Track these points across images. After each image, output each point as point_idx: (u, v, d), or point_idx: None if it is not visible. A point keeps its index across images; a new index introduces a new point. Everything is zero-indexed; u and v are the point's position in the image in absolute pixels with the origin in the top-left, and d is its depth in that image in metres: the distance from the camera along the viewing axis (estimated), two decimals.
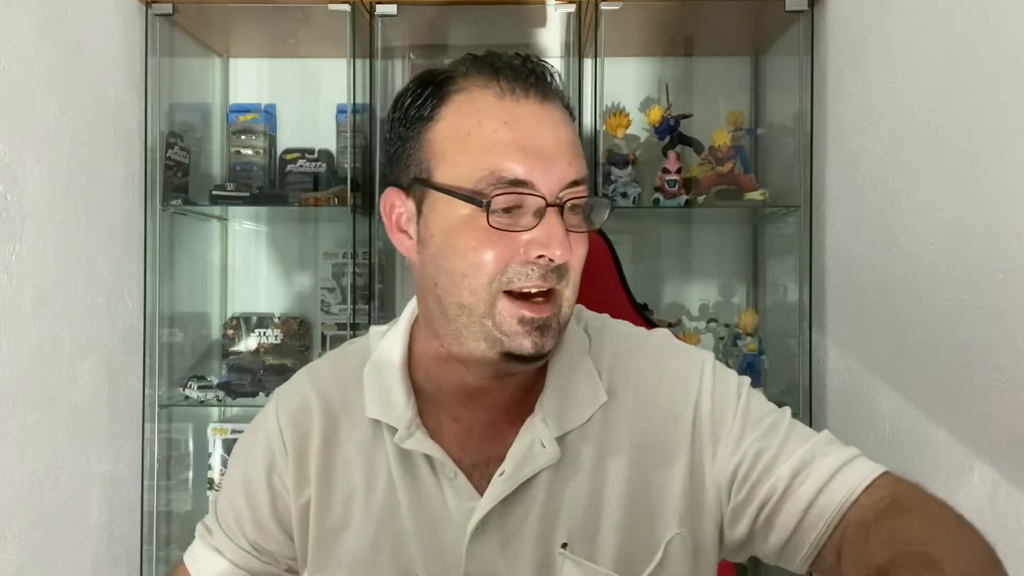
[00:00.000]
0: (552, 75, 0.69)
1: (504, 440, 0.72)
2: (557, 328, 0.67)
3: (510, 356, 0.66)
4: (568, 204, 0.66)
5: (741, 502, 0.70)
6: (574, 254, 0.67)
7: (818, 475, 0.67)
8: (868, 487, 0.65)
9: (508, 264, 0.65)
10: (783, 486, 0.67)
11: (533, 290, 0.65)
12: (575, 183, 0.66)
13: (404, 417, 0.73)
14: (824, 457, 0.68)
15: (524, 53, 0.69)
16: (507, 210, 0.64)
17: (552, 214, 0.64)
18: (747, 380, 0.76)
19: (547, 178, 0.64)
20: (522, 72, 0.67)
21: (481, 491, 0.71)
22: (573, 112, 0.72)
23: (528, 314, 0.65)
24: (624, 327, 0.81)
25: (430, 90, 0.68)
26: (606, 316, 0.83)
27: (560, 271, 0.66)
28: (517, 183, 0.64)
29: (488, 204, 0.64)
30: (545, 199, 0.64)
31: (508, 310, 0.65)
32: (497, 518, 0.71)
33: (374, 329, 0.82)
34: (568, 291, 0.68)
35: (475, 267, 0.65)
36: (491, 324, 0.66)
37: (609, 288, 1.19)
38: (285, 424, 0.78)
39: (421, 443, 0.72)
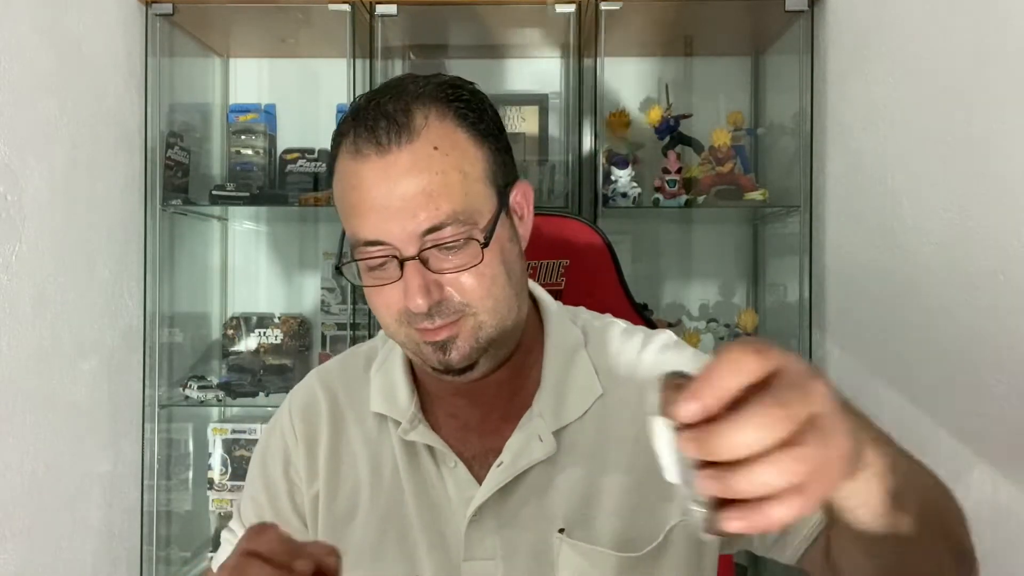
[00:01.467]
0: (403, 116, 0.66)
1: (502, 434, 0.75)
2: (469, 346, 0.69)
3: (435, 370, 0.71)
4: (439, 247, 0.66)
5: None
6: (466, 287, 0.67)
7: None
8: None
9: (401, 306, 0.68)
10: None
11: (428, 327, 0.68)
12: (434, 228, 0.65)
13: (407, 411, 0.77)
14: None
15: (380, 92, 0.69)
16: (383, 264, 0.68)
17: (409, 267, 0.66)
18: None
19: (397, 233, 0.65)
20: (363, 128, 0.67)
21: (481, 481, 0.74)
22: (475, 123, 0.68)
23: (427, 338, 0.69)
24: (629, 326, 0.83)
25: (332, 144, 0.72)
26: (608, 315, 0.85)
27: (447, 309, 0.67)
28: (372, 244, 0.67)
29: (338, 268, 0.71)
30: (396, 255, 0.66)
31: (415, 336, 0.70)
32: (494, 506, 0.74)
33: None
34: (482, 315, 0.68)
35: (376, 310, 0.71)
36: (411, 348, 0.72)
37: (608, 289, 1.19)
38: (297, 419, 0.83)
39: (423, 435, 0.76)
